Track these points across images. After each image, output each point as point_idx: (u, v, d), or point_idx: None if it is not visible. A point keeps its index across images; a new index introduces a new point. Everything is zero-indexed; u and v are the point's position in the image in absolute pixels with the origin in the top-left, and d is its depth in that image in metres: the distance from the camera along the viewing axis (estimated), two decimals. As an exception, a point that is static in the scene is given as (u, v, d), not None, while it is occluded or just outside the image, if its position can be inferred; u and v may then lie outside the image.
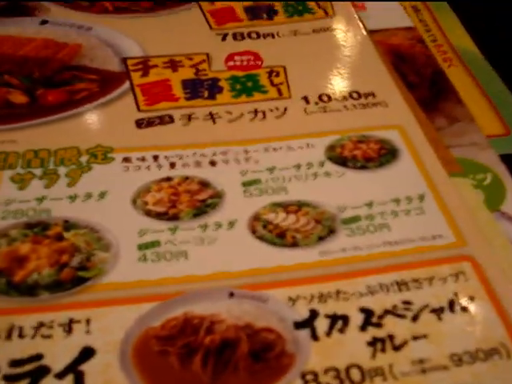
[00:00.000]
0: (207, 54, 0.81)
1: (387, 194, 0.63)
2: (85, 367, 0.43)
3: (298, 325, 0.47)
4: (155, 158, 0.66)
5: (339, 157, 0.69)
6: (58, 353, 0.44)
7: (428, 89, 0.84)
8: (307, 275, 0.54)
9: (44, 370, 0.45)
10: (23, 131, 0.68)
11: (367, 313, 0.52)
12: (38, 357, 0.46)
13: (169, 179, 0.64)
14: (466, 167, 0.69)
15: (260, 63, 0.80)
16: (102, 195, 0.61)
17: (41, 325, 0.49)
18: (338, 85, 0.78)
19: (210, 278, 0.54)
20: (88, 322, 0.46)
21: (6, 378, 0.44)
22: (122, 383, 0.42)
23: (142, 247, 0.56)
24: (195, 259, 0.55)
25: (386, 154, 0.69)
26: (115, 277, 0.53)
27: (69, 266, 0.53)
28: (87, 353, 0.44)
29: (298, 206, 0.61)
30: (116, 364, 0.43)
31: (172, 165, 0.66)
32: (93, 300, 0.51)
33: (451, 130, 0.77)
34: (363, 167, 0.67)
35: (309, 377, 0.43)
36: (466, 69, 0.84)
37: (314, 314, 0.51)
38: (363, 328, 0.50)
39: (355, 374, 0.47)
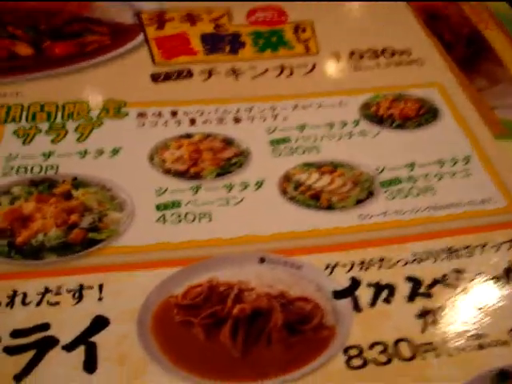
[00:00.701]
0: (228, 9, 0.73)
1: (430, 156, 0.58)
2: (97, 338, 0.39)
3: (338, 294, 0.43)
4: (173, 113, 0.60)
5: (375, 115, 0.64)
6: (67, 322, 0.40)
7: (465, 48, 0.78)
8: (346, 240, 0.49)
9: (51, 341, 0.40)
10: (28, 84, 0.63)
11: (415, 282, 0.46)
12: (44, 326, 0.41)
13: (189, 136, 0.59)
14: (511, 129, 0.63)
15: (284, 19, 0.73)
16: (116, 151, 0.56)
17: (47, 291, 0.43)
18: (371, 41, 0.71)
19: (237, 241, 0.48)
20: (101, 287, 0.43)
21: (8, 349, 0.39)
22: (139, 357, 0.39)
23: (161, 207, 0.51)
24: (220, 221, 0.50)
25: (425, 114, 0.64)
26: (131, 239, 0.48)
27: (78, 226, 0.48)
28: (100, 322, 0.40)
29: (333, 167, 0.56)
30: (133, 335, 0.39)
31: (192, 121, 0.60)
32: (106, 264, 0.46)
33: (493, 91, 0.71)
34: (401, 126, 0.62)
35: (352, 351, 0.40)
36: (503, 31, 0.77)
37: (355, 283, 0.45)
38: (411, 298, 0.45)
39: (405, 350, 0.41)
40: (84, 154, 0.55)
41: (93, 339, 0.39)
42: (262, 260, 0.46)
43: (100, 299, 0.42)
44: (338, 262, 0.46)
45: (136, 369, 0.38)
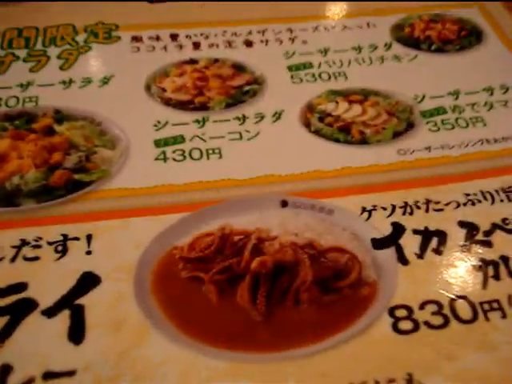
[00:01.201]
0: None
1: (476, 83, 0.50)
2: (85, 301, 0.33)
3: (378, 243, 0.37)
4: (173, 37, 0.52)
5: (409, 38, 0.55)
6: (48, 281, 0.34)
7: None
8: (384, 180, 0.42)
9: (28, 305, 0.33)
10: (3, 7, 0.53)
11: (469, 228, 0.39)
12: (20, 287, 0.34)
13: (193, 62, 0.51)
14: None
15: None
16: (106, 80, 0.48)
17: (24, 243, 0.36)
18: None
19: (253, 182, 0.41)
20: (89, 239, 0.36)
21: (-24, 315, 0.32)
22: (138, 321, 0.32)
23: (161, 143, 0.43)
24: (232, 159, 0.43)
25: (467, 36, 0.55)
26: (125, 181, 0.41)
27: (62, 167, 0.41)
28: (88, 281, 0.34)
29: (363, 95, 0.48)
30: (129, 296, 0.33)
31: (196, 45, 0.53)
32: (95, 210, 0.39)
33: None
34: (440, 50, 0.54)
35: (399, 312, 0.33)
36: None
37: (398, 230, 0.38)
38: (466, 248, 0.37)
39: (463, 310, 0.34)
40: (68, 83, 0.47)
41: (80, 302, 0.33)
42: (284, 204, 0.39)
43: (88, 253, 0.36)
44: (376, 206, 0.40)
45: (134, 337, 0.32)
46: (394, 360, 0.31)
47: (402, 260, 0.36)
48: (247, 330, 0.33)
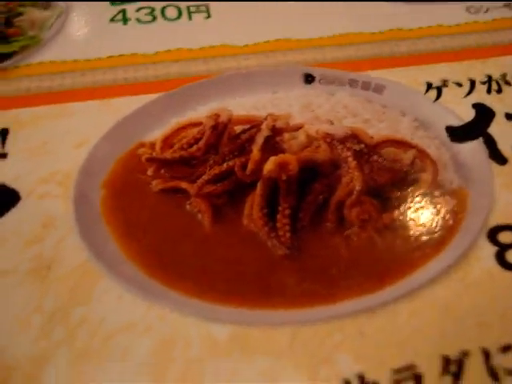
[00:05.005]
0: None
1: None
2: None
3: (458, 133, 0.26)
4: None
5: None
6: None
7: None
8: (453, 46, 0.31)
9: None
10: None
11: None
12: None
13: None
14: None
15: None
16: None
17: None
18: None
19: (258, 49, 0.29)
20: (3, 135, 0.25)
21: None
22: (81, 262, 0.21)
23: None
24: (227, 19, 0.31)
25: None
26: (62, 51, 0.29)
27: None
28: (2, 198, 0.23)
29: None
30: (66, 222, 0.22)
31: None
32: (16, 93, 0.28)
33: None
34: None
35: (505, 237, 0.22)
36: None
37: (484, 114, 0.27)
38: None
39: None
40: None
41: None
42: (310, 78, 0.28)
43: (2, 156, 0.25)
44: (447, 80, 0.29)
45: (74, 289, 0.21)
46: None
47: (497, 157, 0.26)
48: (263, 273, 0.21)
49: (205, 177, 0.23)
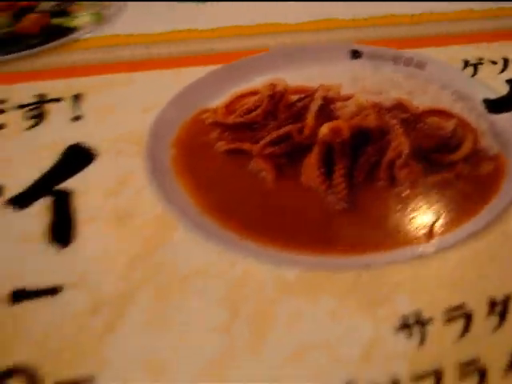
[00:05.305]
0: None
1: None
2: (73, 184, 0.23)
3: (495, 105, 0.27)
4: None
5: None
6: (18, 158, 0.24)
7: None
8: (487, 27, 0.32)
9: None
10: None
11: None
12: None
13: None
14: None
15: None
16: None
17: None
18: None
19: (307, 27, 0.31)
20: (76, 100, 0.26)
21: None
22: (155, 213, 0.22)
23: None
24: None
25: None
26: (126, 26, 0.30)
27: (35, 10, 0.30)
28: (78, 156, 0.24)
29: None
30: (141, 178, 0.23)
31: None
32: (84, 63, 0.28)
33: None
34: None
35: None
36: None
37: None
38: None
39: None
40: None
41: (64, 187, 0.23)
42: (356, 54, 0.30)
43: (76, 119, 0.25)
44: (483, 59, 0.30)
45: (151, 236, 0.22)
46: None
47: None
48: (323, 224, 0.23)
49: (267, 139, 0.25)
